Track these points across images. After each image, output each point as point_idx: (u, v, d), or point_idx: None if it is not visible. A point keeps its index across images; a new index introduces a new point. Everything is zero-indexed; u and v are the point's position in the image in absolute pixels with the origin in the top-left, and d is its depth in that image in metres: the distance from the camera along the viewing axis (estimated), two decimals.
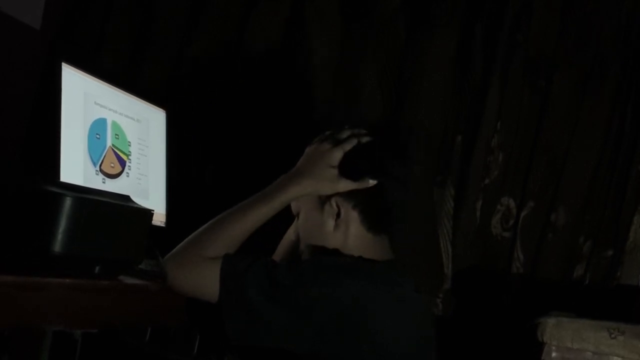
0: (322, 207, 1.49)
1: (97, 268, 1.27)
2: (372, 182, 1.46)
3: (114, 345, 1.37)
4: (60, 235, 1.16)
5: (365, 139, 1.52)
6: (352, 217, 1.48)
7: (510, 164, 2.17)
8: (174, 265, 1.42)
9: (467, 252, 2.15)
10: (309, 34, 2.26)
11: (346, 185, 1.47)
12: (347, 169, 1.48)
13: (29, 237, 1.17)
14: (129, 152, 1.76)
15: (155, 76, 2.30)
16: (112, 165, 1.69)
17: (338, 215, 1.48)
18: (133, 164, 1.77)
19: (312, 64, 2.24)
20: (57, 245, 1.16)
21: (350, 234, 1.48)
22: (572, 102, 2.15)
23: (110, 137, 1.69)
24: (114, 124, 1.71)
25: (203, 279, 1.40)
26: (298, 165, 1.52)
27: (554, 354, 1.74)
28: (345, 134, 1.51)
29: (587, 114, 2.14)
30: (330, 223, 1.48)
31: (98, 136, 1.65)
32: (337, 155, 1.48)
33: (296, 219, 1.55)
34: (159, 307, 1.45)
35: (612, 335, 1.70)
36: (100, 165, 1.65)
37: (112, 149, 1.69)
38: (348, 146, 1.49)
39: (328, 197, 1.48)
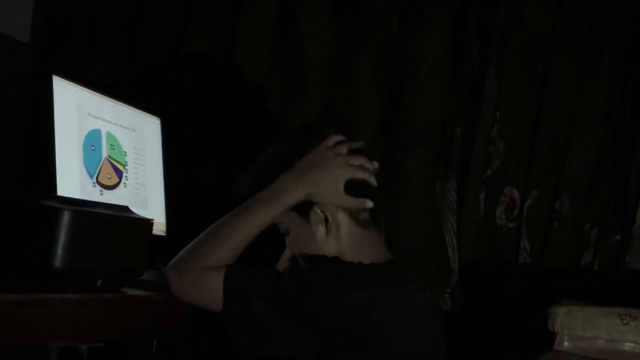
0: (308, 217, 1.48)
1: (99, 281, 1.26)
2: (369, 205, 1.46)
3: (121, 358, 1.36)
4: (60, 250, 1.15)
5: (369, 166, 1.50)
6: (341, 217, 1.47)
7: (512, 153, 2.16)
8: (174, 275, 1.41)
9: (473, 245, 2.14)
10: (302, 35, 2.24)
11: (346, 201, 1.46)
12: (349, 186, 1.46)
13: (29, 253, 1.16)
14: (125, 162, 1.74)
15: (151, 78, 2.28)
16: (109, 176, 1.67)
17: (326, 220, 1.46)
18: (130, 174, 1.75)
19: (307, 64, 2.22)
20: (57, 260, 1.15)
21: (343, 235, 1.47)
22: (571, 86, 2.14)
23: (106, 148, 1.67)
24: (109, 134, 1.69)
25: (206, 289, 1.39)
26: (304, 166, 1.48)
27: (566, 344, 1.73)
28: (359, 161, 1.48)
29: (587, 99, 2.13)
30: (322, 230, 1.47)
31: (93, 148, 1.63)
32: (347, 176, 1.46)
33: (287, 238, 1.54)
34: (164, 317, 1.44)
35: (624, 321, 1.69)
36: (97, 177, 1.63)
37: (108, 160, 1.68)
38: (359, 175, 1.47)
39: (310, 206, 1.47)
